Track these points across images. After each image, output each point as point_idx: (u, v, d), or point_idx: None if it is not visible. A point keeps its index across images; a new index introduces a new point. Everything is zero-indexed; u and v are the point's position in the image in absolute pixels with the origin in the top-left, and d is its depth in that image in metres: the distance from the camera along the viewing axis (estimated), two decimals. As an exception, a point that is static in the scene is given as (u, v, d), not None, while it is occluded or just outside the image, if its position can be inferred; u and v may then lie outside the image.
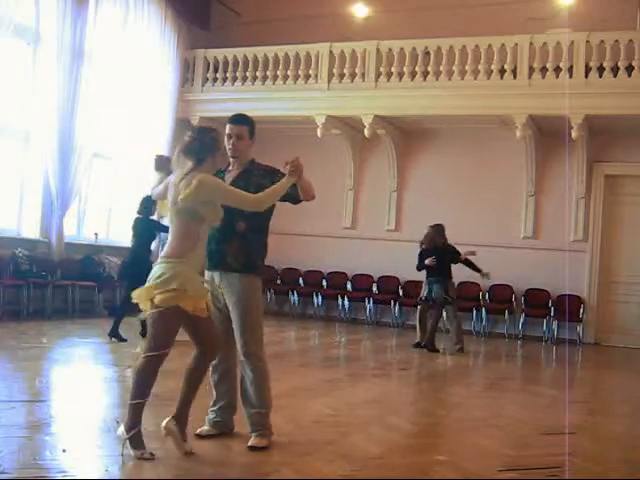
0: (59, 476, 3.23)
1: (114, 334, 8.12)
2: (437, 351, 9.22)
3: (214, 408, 4.21)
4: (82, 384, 5.86)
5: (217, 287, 4.04)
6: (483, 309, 12.11)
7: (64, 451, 3.61)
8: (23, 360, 6.50)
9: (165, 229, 8.33)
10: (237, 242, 3.99)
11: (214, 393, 4.23)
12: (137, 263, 8.13)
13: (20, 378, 5.75)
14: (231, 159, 4.16)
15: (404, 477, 3.70)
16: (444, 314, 9.76)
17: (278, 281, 13.38)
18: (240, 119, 4.11)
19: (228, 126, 4.10)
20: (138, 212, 8.45)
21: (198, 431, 4.11)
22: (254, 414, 4.03)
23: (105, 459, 3.57)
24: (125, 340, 8.06)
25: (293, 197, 4.04)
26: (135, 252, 8.43)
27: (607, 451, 4.61)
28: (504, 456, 4.14)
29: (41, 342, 7.88)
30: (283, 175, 3.91)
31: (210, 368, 4.08)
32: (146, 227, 8.40)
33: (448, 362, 8.79)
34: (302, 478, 3.52)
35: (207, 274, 4.09)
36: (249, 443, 3.94)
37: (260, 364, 4.04)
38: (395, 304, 12.62)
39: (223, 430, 4.18)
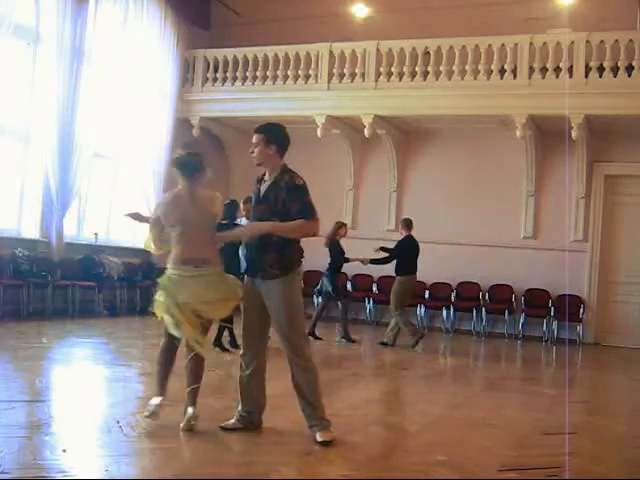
0: (59, 476, 3.23)
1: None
2: (320, 338, 9.58)
3: (243, 403, 4.33)
4: (82, 384, 5.86)
5: (256, 290, 4.25)
6: (483, 309, 12.11)
7: (64, 451, 3.61)
8: (23, 360, 6.50)
9: None
10: (270, 252, 4.15)
11: (243, 389, 4.33)
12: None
13: (20, 378, 5.75)
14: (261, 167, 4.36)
15: (404, 477, 3.70)
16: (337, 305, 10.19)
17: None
18: (257, 128, 4.32)
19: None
20: (222, 219, 8.32)
21: (223, 424, 4.26)
22: (308, 410, 4.18)
23: (105, 459, 3.57)
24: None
25: None
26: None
27: (607, 451, 4.60)
28: (504, 456, 4.14)
29: (41, 342, 7.89)
30: (298, 195, 4.13)
31: (242, 365, 4.31)
32: None
33: (448, 362, 8.79)
34: (302, 478, 3.53)
35: (246, 279, 4.34)
36: (317, 439, 4.05)
37: (309, 363, 4.21)
38: (395, 304, 12.60)
39: (248, 426, 4.28)
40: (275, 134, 4.26)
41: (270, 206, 4.18)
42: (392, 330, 9.60)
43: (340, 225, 10.00)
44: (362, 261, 9.87)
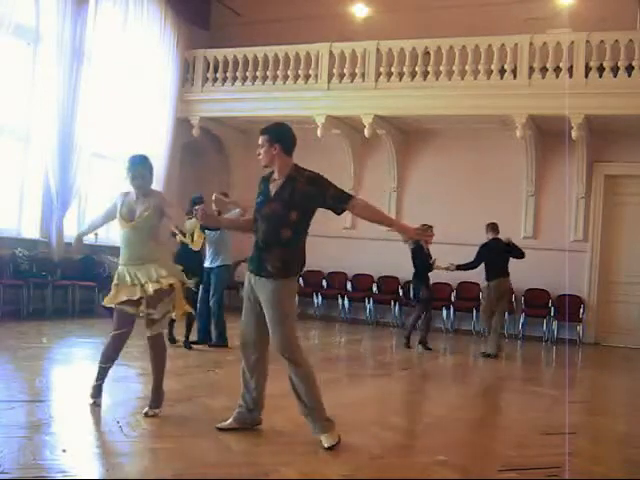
0: (59, 476, 3.23)
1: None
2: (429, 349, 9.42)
3: (241, 402, 4.31)
4: (82, 384, 5.85)
5: (252, 287, 4.22)
6: (483, 309, 12.09)
7: (64, 451, 3.61)
8: (23, 360, 6.50)
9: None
10: (278, 250, 4.11)
11: (243, 388, 4.30)
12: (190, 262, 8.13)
13: (20, 378, 5.75)
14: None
15: (404, 477, 3.70)
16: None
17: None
18: (262, 129, 4.29)
19: None
20: (187, 213, 8.29)
21: (220, 425, 4.25)
22: (307, 414, 4.12)
23: (105, 459, 3.57)
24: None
25: (335, 209, 4.18)
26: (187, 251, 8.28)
27: (607, 451, 4.61)
28: (504, 456, 4.14)
29: (41, 342, 7.88)
30: (326, 181, 4.15)
31: (243, 362, 4.29)
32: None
33: (448, 362, 8.79)
34: (302, 478, 3.53)
35: (246, 278, 4.30)
36: (324, 445, 3.99)
37: (300, 368, 4.12)
38: (395, 304, 12.62)
39: (244, 425, 4.26)
40: (278, 134, 4.23)
41: (285, 202, 4.10)
42: (492, 339, 9.26)
43: (425, 229, 9.76)
44: (448, 268, 9.49)
